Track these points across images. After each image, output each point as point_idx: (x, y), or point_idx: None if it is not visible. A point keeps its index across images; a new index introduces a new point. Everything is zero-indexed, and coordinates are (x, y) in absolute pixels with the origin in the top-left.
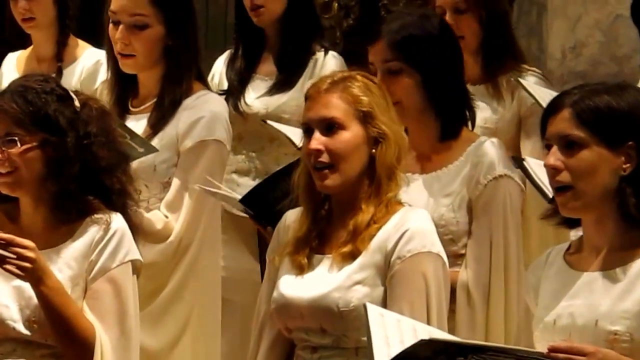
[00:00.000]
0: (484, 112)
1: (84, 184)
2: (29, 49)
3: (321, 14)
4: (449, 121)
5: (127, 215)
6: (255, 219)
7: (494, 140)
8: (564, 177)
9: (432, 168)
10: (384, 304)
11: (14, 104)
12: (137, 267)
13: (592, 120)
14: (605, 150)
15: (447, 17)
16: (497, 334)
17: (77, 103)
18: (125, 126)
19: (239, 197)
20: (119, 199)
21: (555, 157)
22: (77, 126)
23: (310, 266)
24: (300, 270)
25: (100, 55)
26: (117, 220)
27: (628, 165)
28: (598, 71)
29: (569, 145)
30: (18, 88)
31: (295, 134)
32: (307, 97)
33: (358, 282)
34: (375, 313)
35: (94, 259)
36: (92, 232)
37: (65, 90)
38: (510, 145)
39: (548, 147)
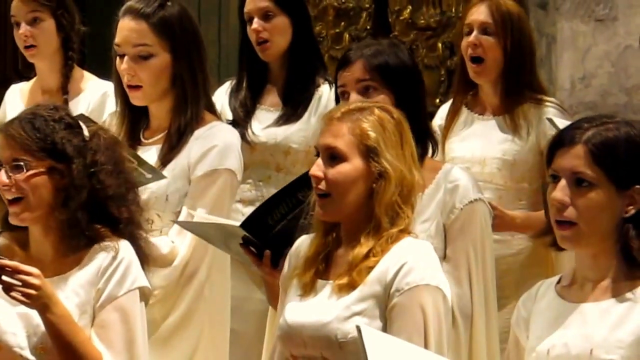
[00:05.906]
0: (502, 144)
1: (92, 212)
2: (33, 80)
3: (332, 45)
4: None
5: (136, 244)
6: (249, 246)
7: (461, 165)
8: (570, 213)
9: None
10: None
11: (21, 131)
12: (145, 294)
13: (606, 161)
14: (613, 191)
15: (472, 37)
16: (480, 355)
17: (86, 132)
18: (134, 153)
19: (224, 221)
20: (126, 227)
21: (564, 192)
22: (84, 154)
23: (314, 291)
24: (304, 291)
25: (106, 86)
26: (125, 248)
27: (631, 207)
28: (607, 102)
29: (580, 183)
30: (27, 115)
31: None
32: (323, 122)
33: (357, 313)
34: (369, 334)
35: (101, 287)
36: (99, 260)
37: (74, 119)
38: (528, 176)
39: (554, 178)
